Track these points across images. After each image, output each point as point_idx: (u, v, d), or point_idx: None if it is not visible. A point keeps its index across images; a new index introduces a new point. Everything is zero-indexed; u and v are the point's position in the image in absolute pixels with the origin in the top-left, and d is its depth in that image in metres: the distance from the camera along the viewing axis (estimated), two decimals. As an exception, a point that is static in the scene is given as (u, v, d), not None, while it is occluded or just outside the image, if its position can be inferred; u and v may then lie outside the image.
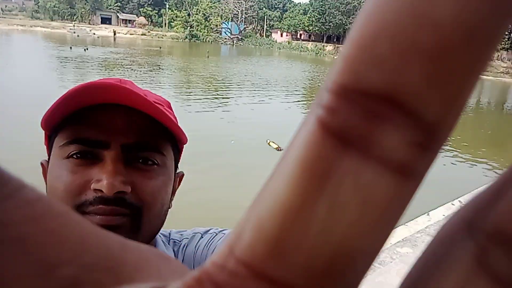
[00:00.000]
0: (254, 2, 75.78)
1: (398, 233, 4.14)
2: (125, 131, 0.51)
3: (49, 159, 0.54)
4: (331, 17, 61.27)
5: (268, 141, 8.97)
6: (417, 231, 4.24)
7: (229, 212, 5.54)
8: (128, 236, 0.40)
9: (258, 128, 10.54)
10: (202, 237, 0.65)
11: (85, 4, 68.01)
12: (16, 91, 12.60)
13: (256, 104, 14.44)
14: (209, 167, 7.36)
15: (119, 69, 21.19)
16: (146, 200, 0.51)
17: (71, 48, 32.39)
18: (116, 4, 72.27)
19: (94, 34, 56.75)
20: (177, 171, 0.61)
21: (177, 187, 0.61)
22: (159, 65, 25.49)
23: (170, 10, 71.39)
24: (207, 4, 70.59)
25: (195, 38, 65.00)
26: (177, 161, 0.60)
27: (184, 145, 0.67)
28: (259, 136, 9.40)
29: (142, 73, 20.50)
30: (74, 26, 60.33)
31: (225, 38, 69.07)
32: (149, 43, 51.09)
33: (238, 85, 18.94)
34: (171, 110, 0.61)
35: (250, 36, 72.70)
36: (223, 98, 15.07)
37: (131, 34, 62.46)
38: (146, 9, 73.61)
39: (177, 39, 63.73)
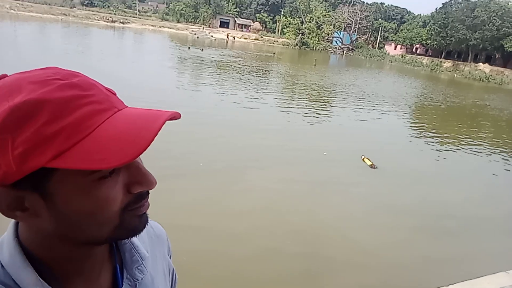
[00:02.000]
0: (370, 13, 73.79)
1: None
2: None
3: (40, 190, 0.50)
4: (453, 31, 56.59)
5: (363, 157, 8.84)
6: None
7: (305, 222, 5.69)
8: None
9: (355, 142, 10.42)
10: None
11: (208, 8, 73.52)
12: (141, 84, 14.31)
13: (357, 117, 14.21)
14: (293, 177, 7.56)
15: (229, 71, 22.58)
16: None
17: (189, 48, 35.52)
18: (235, 9, 76.76)
19: (212, 36, 61.06)
20: None
21: None
22: (267, 70, 26.49)
23: (284, 17, 73.33)
24: (321, 13, 70.84)
25: (305, 46, 65.71)
26: None
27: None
28: (354, 151, 9.30)
29: (251, 76, 21.56)
30: (201, 28, 65.64)
31: (335, 48, 68.51)
32: (261, 48, 53.20)
33: (342, 96, 18.78)
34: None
35: (361, 47, 70.98)
36: (324, 108, 15.13)
37: (245, 38, 65.68)
38: (262, 15, 76.77)
39: (287, 45, 65.17)
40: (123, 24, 62.18)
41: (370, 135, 11.56)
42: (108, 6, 79.51)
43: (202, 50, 34.97)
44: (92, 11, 68.69)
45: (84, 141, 0.47)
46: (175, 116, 0.53)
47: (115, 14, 68.70)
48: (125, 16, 69.45)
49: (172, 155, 7.40)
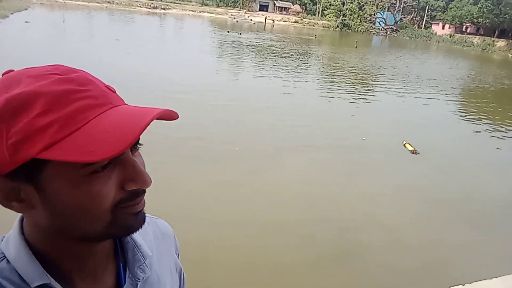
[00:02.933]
0: (416, -9, 70.26)
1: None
2: None
3: (35, 182, 0.52)
4: (508, 8, 52.76)
5: (404, 142, 8.58)
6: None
7: (337, 205, 5.64)
8: (144, 208, 0.59)
9: (395, 127, 10.12)
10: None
11: (247, -9, 73.12)
12: (180, 69, 14.58)
13: (400, 101, 13.74)
14: (332, 163, 7.48)
15: (268, 55, 22.44)
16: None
17: (228, 32, 35.63)
18: (274, -8, 75.65)
19: (251, 20, 60.70)
20: None
21: None
22: (308, 53, 26.07)
23: (325, -2, 71.47)
24: (364, -8, 68.28)
25: (347, 28, 63.84)
26: None
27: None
28: (395, 136, 9.05)
29: (290, 59, 21.34)
30: (240, 12, 65.43)
31: (378, 29, 66.04)
32: (300, 31, 52.30)
33: (384, 79, 18.18)
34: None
35: (406, 27, 67.97)
36: (365, 92, 14.75)
37: (284, 21, 64.76)
38: (302, -3, 75.20)
39: (328, 27, 63.61)
40: (164, 10, 63.14)
41: (413, 120, 11.16)
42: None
43: (240, 34, 35.01)
44: (135, -2, 70.12)
45: (75, 134, 0.49)
46: (172, 116, 0.55)
47: (157, 1, 69.80)
48: (166, 2, 70.43)
49: (207, 139, 7.56)
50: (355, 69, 20.04)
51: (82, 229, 0.55)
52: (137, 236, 0.70)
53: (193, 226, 4.67)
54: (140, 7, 62.09)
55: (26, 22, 24.66)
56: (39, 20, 28.05)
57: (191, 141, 7.37)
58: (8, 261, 0.56)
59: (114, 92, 0.58)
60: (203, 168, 6.36)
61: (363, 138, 8.77)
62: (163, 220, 0.84)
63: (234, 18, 60.61)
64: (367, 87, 15.95)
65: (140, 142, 0.58)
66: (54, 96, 0.49)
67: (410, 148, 8.29)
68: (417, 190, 6.56)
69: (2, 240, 0.60)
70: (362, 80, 17.27)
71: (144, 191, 0.58)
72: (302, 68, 19.02)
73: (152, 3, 65.23)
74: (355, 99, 13.09)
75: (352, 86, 15.42)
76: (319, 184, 6.39)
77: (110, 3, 60.76)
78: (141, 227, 0.59)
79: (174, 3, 71.19)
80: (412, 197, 6.31)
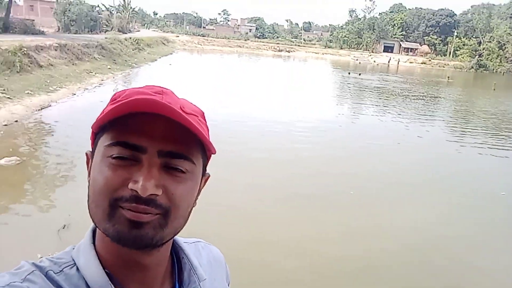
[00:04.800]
0: None
1: None
2: (162, 139, 0.58)
3: (93, 152, 0.63)
4: None
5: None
6: None
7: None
8: (154, 231, 0.57)
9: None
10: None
11: (372, 34, 72.40)
12: (297, 109, 14.91)
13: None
14: (463, 216, 6.65)
15: (389, 96, 21.59)
16: (174, 202, 0.59)
17: (349, 73, 35.61)
18: (401, 33, 73.56)
19: (374, 61, 59.73)
20: (205, 173, 0.69)
21: (202, 187, 0.70)
22: (436, 96, 24.36)
23: (457, 38, 66.70)
24: (505, 31, 61.81)
25: (483, 68, 58.24)
26: (205, 165, 0.67)
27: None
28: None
29: (414, 102, 20.18)
30: (363, 53, 65.35)
31: (523, 70, 58.60)
32: (428, 72, 49.41)
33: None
34: (204, 120, 0.68)
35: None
36: (505, 141, 13.01)
37: (410, 62, 62.14)
38: (431, 37, 71.47)
39: (460, 68, 58.87)
40: (289, 52, 66.47)
41: None
42: (277, 37, 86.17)
43: (360, 74, 34.80)
44: (263, 42, 75.43)
45: (105, 110, 0.60)
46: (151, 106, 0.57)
47: (282, 44, 73.95)
48: (291, 45, 74.05)
49: (332, 179, 7.45)
50: (491, 114, 17.93)
51: (93, 212, 0.59)
52: (193, 258, 0.73)
53: None
54: (267, 50, 66.48)
55: (170, 64, 28.85)
56: (179, 62, 32.03)
57: (309, 178, 7.36)
58: (77, 269, 0.60)
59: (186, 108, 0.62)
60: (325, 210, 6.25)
61: (502, 193, 7.65)
62: (215, 247, 0.86)
63: (357, 60, 60.41)
64: (506, 136, 14.04)
65: (181, 168, 0.60)
66: (128, 94, 0.61)
67: None
68: None
69: (74, 248, 0.64)
70: (500, 127, 15.31)
71: (147, 204, 0.57)
72: (429, 111, 17.78)
73: (277, 46, 69.36)
74: (493, 148, 11.59)
75: (488, 133, 13.76)
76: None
77: (240, 47, 66.57)
78: (137, 245, 0.58)
79: (299, 45, 74.43)
80: None
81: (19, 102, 10.45)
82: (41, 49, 16.07)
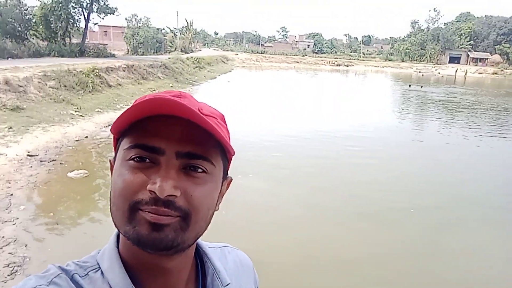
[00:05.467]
0: None
1: None
2: (180, 141, 0.58)
3: (115, 157, 0.63)
4: None
5: None
6: None
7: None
8: (175, 235, 0.57)
9: None
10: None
11: (436, 45, 69.17)
12: (363, 123, 14.63)
13: None
14: None
15: (455, 110, 20.44)
16: (194, 204, 0.58)
17: (409, 86, 34.35)
18: (468, 43, 69.53)
19: (439, 73, 56.93)
20: (226, 177, 0.68)
21: (225, 192, 0.69)
22: (509, 108, 22.63)
23: (534, 46, 61.61)
24: None
25: None
26: (226, 169, 0.67)
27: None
28: None
29: (483, 115, 18.91)
30: (427, 65, 62.67)
31: None
32: (500, 83, 46.02)
33: None
34: (224, 123, 0.67)
35: None
36: None
37: (479, 73, 58.39)
38: (503, 46, 66.61)
39: (538, 78, 54.19)
40: (347, 66, 65.51)
41: None
42: (336, 52, 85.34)
43: (422, 87, 33.51)
44: (321, 57, 75.13)
45: (125, 112, 0.59)
46: (171, 107, 0.57)
47: (340, 58, 73.11)
48: (350, 59, 72.95)
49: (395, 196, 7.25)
50: None
51: (114, 216, 0.59)
52: (217, 262, 0.72)
53: None
54: (325, 64, 66.10)
55: (228, 81, 29.74)
56: (237, 79, 32.92)
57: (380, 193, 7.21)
58: (102, 272, 0.61)
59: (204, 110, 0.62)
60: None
61: None
62: (243, 252, 0.85)
63: (420, 72, 57.97)
64: None
65: (199, 166, 0.60)
66: (148, 97, 0.59)
67: None
68: None
69: (99, 252, 0.66)
70: None
71: (167, 206, 0.56)
72: (501, 125, 16.56)
73: (336, 61, 68.68)
74: None
75: None
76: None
77: (298, 62, 66.90)
78: (157, 248, 0.57)
79: (358, 59, 73.11)
80: None
81: (89, 119, 11.41)
82: (111, 70, 17.48)
